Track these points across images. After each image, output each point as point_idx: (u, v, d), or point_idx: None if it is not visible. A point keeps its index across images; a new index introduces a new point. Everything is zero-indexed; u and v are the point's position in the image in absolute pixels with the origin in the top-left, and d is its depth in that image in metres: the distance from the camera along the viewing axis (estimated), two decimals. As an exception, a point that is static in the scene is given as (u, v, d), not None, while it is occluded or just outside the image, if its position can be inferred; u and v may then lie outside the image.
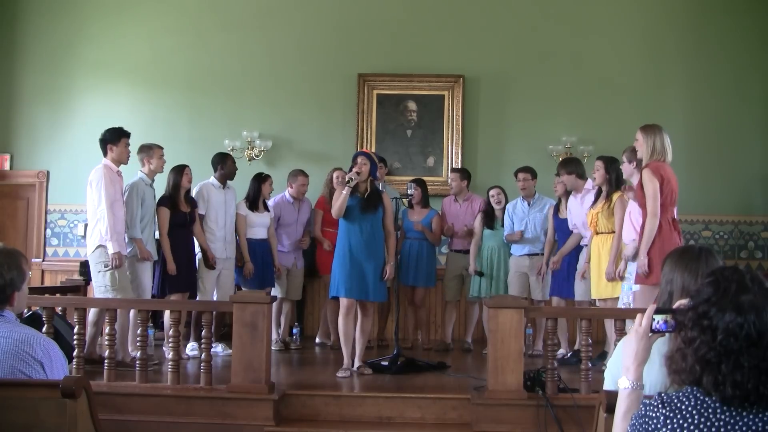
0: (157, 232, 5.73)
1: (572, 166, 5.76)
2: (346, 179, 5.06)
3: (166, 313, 5.56)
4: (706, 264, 2.19)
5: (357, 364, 5.08)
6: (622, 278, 4.99)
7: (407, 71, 7.56)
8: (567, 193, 5.94)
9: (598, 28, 7.63)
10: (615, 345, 3.43)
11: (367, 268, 5.04)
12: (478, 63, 7.60)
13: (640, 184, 4.39)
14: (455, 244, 6.51)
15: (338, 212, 5.08)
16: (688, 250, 2.30)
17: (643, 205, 4.38)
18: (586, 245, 5.63)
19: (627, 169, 5.06)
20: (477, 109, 7.62)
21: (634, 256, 4.59)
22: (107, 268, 5.03)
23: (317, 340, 6.69)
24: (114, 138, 5.27)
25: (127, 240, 5.37)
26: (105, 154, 5.29)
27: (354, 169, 5.08)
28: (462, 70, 7.56)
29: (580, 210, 5.67)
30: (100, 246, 5.07)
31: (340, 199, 5.05)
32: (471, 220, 6.43)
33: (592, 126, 7.42)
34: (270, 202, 6.40)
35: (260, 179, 6.28)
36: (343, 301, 5.07)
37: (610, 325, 5.26)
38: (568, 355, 5.72)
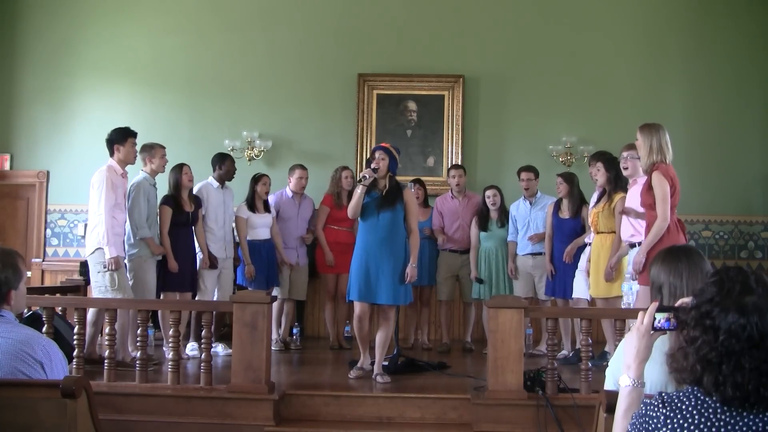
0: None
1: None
2: (360, 177, 4.88)
3: (160, 313, 5.60)
4: (689, 263, 2.20)
5: (375, 371, 4.86)
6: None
7: (407, 71, 7.56)
8: (568, 194, 5.93)
9: (598, 28, 7.62)
10: (616, 344, 3.43)
11: (384, 269, 4.79)
12: (478, 63, 7.60)
13: (647, 186, 4.36)
14: (448, 243, 6.48)
15: (354, 212, 4.89)
16: (670, 251, 2.30)
17: (648, 206, 4.35)
18: (589, 244, 5.63)
19: (634, 164, 4.98)
20: (477, 109, 7.62)
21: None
22: (106, 269, 5.03)
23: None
24: (121, 138, 5.27)
25: (134, 240, 5.37)
26: (111, 154, 5.29)
27: (372, 165, 4.88)
28: (462, 70, 7.56)
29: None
30: (99, 248, 5.08)
31: (355, 198, 4.85)
32: (469, 217, 6.42)
33: (592, 126, 7.42)
34: (271, 198, 6.40)
35: (254, 180, 6.29)
36: (357, 305, 4.89)
37: (608, 325, 5.28)
38: (571, 355, 5.72)
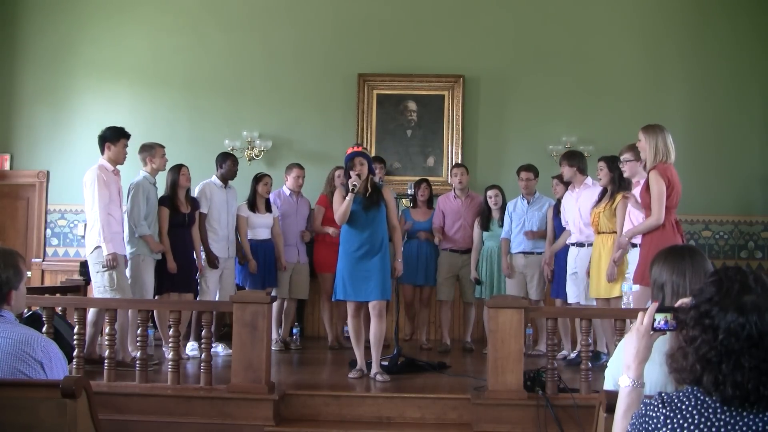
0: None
1: (575, 159, 5.75)
2: (350, 186, 4.91)
3: (156, 313, 5.60)
4: (692, 263, 2.21)
5: (374, 370, 4.91)
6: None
7: (407, 71, 7.56)
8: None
9: (598, 28, 7.63)
10: (616, 344, 3.43)
11: (372, 267, 4.91)
12: (478, 63, 7.60)
13: (646, 186, 4.38)
14: (449, 243, 6.47)
15: (342, 219, 4.96)
16: (673, 250, 2.31)
17: (647, 206, 4.37)
18: (573, 244, 5.64)
19: (632, 166, 5.02)
20: (477, 109, 7.62)
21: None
22: (104, 269, 5.03)
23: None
24: (113, 137, 5.27)
25: (132, 239, 5.37)
26: (102, 151, 5.28)
27: (354, 173, 4.95)
28: (462, 70, 7.57)
29: (574, 206, 5.67)
30: (98, 247, 5.07)
31: (343, 206, 4.93)
32: (472, 217, 6.42)
33: (592, 126, 7.43)
34: (270, 197, 6.41)
35: (255, 179, 6.30)
36: (350, 304, 4.99)
37: (598, 324, 5.30)
38: (572, 355, 5.71)
